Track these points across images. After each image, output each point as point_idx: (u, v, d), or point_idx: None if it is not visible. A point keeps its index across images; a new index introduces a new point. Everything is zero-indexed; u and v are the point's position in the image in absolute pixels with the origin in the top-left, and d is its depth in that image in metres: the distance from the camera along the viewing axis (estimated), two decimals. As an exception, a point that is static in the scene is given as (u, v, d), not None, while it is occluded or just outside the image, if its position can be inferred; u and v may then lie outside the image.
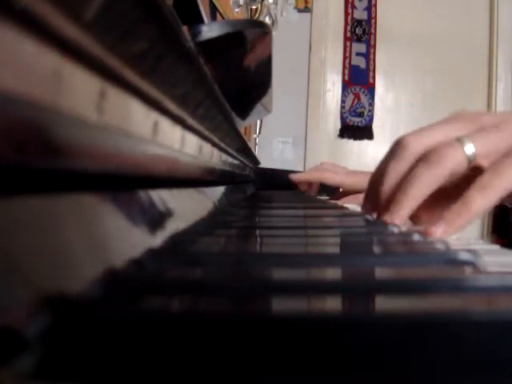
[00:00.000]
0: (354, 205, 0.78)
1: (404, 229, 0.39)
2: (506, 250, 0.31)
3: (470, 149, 0.41)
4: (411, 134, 0.44)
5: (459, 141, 0.41)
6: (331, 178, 1.08)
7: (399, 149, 0.44)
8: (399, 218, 0.42)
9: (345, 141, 2.66)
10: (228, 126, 0.54)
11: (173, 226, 0.29)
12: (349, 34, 2.67)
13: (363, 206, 0.48)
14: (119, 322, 0.13)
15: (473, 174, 0.43)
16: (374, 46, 2.67)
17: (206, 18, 0.56)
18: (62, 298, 0.14)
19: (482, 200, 0.39)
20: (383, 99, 2.69)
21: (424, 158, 0.42)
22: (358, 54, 2.67)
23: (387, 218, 0.42)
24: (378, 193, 0.45)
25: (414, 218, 0.46)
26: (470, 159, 0.41)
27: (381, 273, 0.20)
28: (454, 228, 0.39)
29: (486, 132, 0.42)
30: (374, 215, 0.45)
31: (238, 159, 0.81)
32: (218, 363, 0.12)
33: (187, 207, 0.37)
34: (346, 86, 2.67)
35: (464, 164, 0.41)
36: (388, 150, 0.46)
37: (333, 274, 0.21)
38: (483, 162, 0.41)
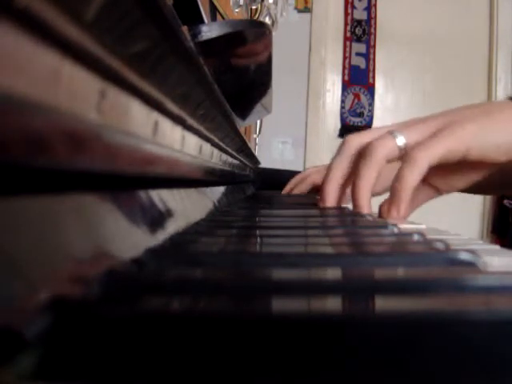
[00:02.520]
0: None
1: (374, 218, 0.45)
2: (506, 250, 0.31)
3: (401, 140, 0.50)
4: (354, 134, 0.55)
5: (390, 133, 0.51)
6: (319, 180, 1.12)
7: (343, 147, 0.55)
8: (364, 207, 0.51)
9: (345, 141, 2.66)
10: (228, 126, 0.54)
11: (173, 226, 0.29)
12: (348, 34, 2.68)
13: (319, 198, 0.58)
14: (119, 321, 0.13)
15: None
16: (374, 46, 2.67)
17: (206, 18, 0.56)
18: (61, 297, 0.14)
19: (411, 172, 0.47)
20: (383, 99, 2.69)
21: (362, 154, 0.51)
22: (357, 54, 2.67)
23: (356, 210, 0.51)
24: (327, 187, 0.56)
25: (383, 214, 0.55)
26: (401, 147, 0.50)
27: (381, 273, 0.20)
28: (402, 205, 0.48)
29: (413, 126, 0.51)
30: (326, 203, 0.56)
31: (238, 159, 0.81)
32: (219, 363, 0.12)
33: (187, 207, 0.37)
34: (345, 86, 2.67)
35: (396, 151, 0.50)
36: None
37: (332, 274, 0.21)
38: None
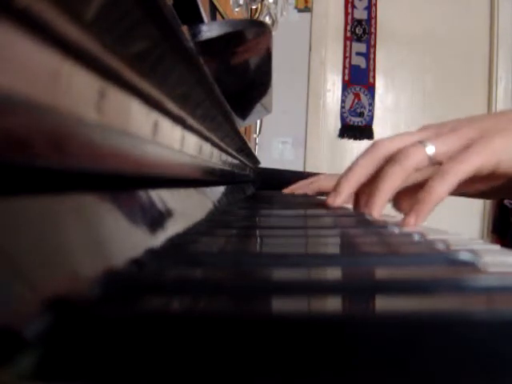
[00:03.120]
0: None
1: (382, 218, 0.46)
2: (506, 250, 0.31)
3: (430, 149, 0.49)
4: (384, 138, 0.53)
5: (421, 143, 0.50)
6: (327, 186, 1.12)
7: (371, 149, 0.53)
8: (376, 210, 0.50)
9: (345, 141, 2.66)
10: (228, 125, 0.54)
11: (173, 226, 0.29)
12: (349, 34, 2.67)
13: (330, 195, 0.56)
14: (119, 321, 0.13)
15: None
16: (374, 45, 2.67)
17: (205, 18, 0.56)
18: (61, 297, 0.14)
19: (440, 185, 0.47)
20: (383, 99, 2.69)
21: (392, 158, 0.50)
22: (358, 54, 2.67)
23: (366, 211, 0.50)
24: (345, 183, 0.53)
25: (399, 208, 0.55)
26: (431, 157, 0.49)
27: (381, 273, 0.20)
28: (423, 215, 0.47)
29: (444, 135, 0.51)
30: (335, 200, 0.54)
31: (238, 159, 0.81)
32: (218, 363, 0.12)
33: (187, 207, 0.37)
34: (346, 85, 2.67)
35: (426, 161, 0.49)
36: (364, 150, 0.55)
37: (333, 274, 0.21)
38: (443, 159, 0.49)
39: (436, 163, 0.49)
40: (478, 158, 0.47)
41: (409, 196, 0.53)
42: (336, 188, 0.54)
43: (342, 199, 0.54)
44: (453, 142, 0.49)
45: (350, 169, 0.54)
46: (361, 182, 0.53)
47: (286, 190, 1.13)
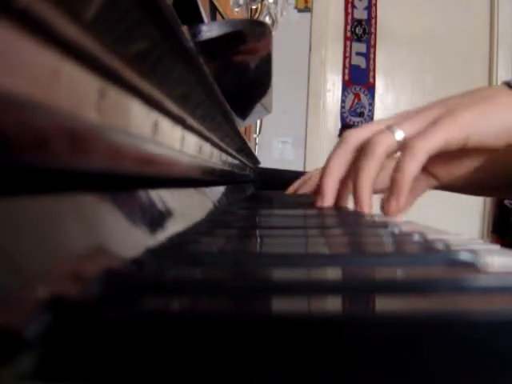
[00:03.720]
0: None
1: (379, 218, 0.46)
2: (506, 250, 0.31)
3: (399, 134, 0.50)
4: (352, 129, 0.55)
5: (389, 128, 0.51)
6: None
7: (341, 143, 0.54)
8: (365, 206, 0.51)
9: (345, 141, 2.66)
10: (228, 125, 0.54)
11: (173, 226, 0.29)
12: (349, 34, 2.68)
13: (315, 195, 0.57)
14: (119, 321, 0.13)
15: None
16: (374, 45, 2.67)
17: (205, 18, 0.56)
18: (61, 297, 0.14)
19: (411, 162, 0.47)
20: (383, 99, 2.69)
21: (362, 151, 0.51)
22: (358, 54, 2.67)
23: (358, 205, 0.51)
24: (327, 183, 0.55)
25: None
26: (400, 141, 0.50)
27: (381, 273, 0.20)
28: (401, 196, 0.48)
29: (410, 118, 0.51)
30: (324, 201, 0.55)
31: (238, 159, 0.81)
32: (218, 363, 0.12)
33: (187, 207, 0.37)
34: (346, 85, 2.67)
35: (395, 145, 0.50)
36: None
37: (332, 273, 0.21)
38: None
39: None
40: (444, 131, 0.48)
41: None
42: (320, 190, 0.55)
43: (329, 199, 0.55)
44: (420, 123, 0.50)
45: (327, 167, 0.55)
46: (340, 178, 0.55)
47: (288, 191, 1.13)
